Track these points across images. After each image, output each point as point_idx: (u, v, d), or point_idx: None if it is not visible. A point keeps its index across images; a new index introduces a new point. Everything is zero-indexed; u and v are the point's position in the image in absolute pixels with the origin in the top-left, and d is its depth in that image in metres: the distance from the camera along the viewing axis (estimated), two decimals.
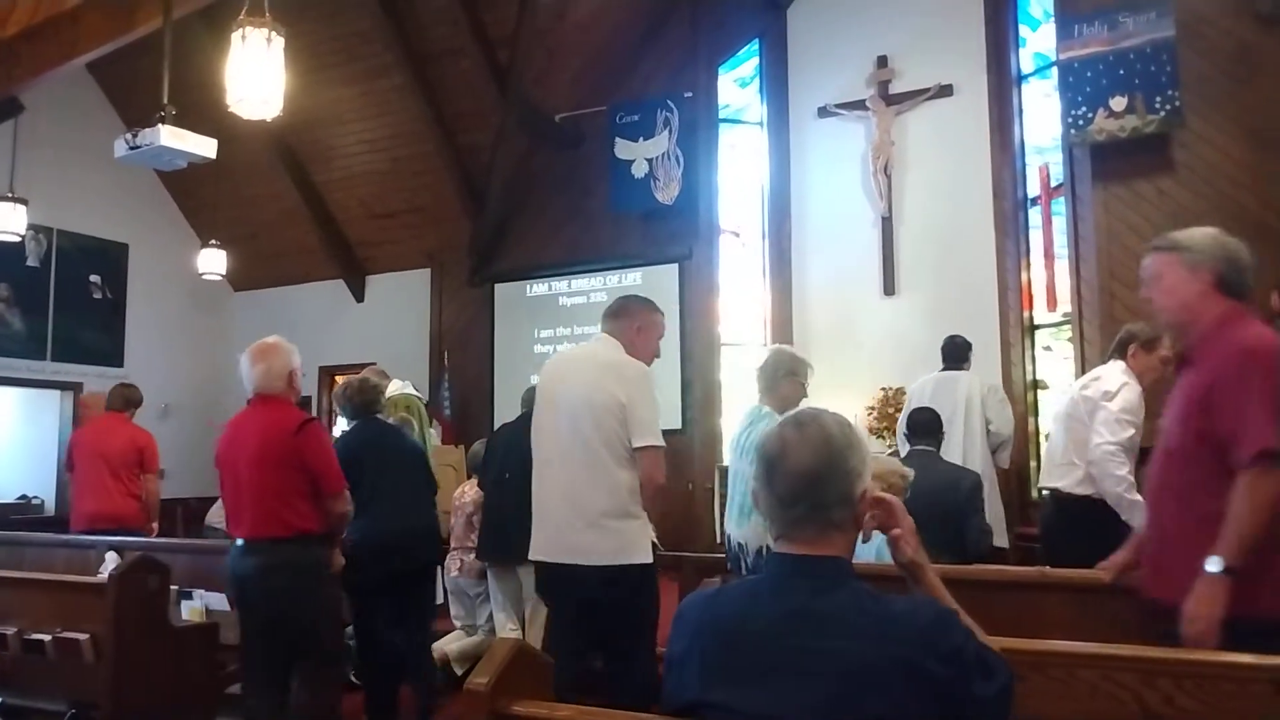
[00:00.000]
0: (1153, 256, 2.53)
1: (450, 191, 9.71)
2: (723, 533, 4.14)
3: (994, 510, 5.57)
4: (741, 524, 3.75)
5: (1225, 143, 7.34)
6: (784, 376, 3.96)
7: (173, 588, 4.00)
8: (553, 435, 3.26)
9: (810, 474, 1.44)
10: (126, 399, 6.39)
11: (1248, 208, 7.21)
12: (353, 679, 4.64)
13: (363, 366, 10.05)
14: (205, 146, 5.14)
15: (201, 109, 6.38)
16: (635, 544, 3.12)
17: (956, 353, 6.19)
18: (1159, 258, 2.51)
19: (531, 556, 3.33)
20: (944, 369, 6.20)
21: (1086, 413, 3.98)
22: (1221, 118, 7.36)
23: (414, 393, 6.37)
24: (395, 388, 6.50)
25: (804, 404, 3.88)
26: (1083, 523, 3.87)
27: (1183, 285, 2.43)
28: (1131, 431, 3.80)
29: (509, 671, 1.52)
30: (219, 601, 4.31)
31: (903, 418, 5.57)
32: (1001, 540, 5.73)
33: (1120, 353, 4.11)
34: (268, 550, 3.44)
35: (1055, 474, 4.13)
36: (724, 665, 1.39)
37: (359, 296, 10.90)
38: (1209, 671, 1.81)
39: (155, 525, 6.32)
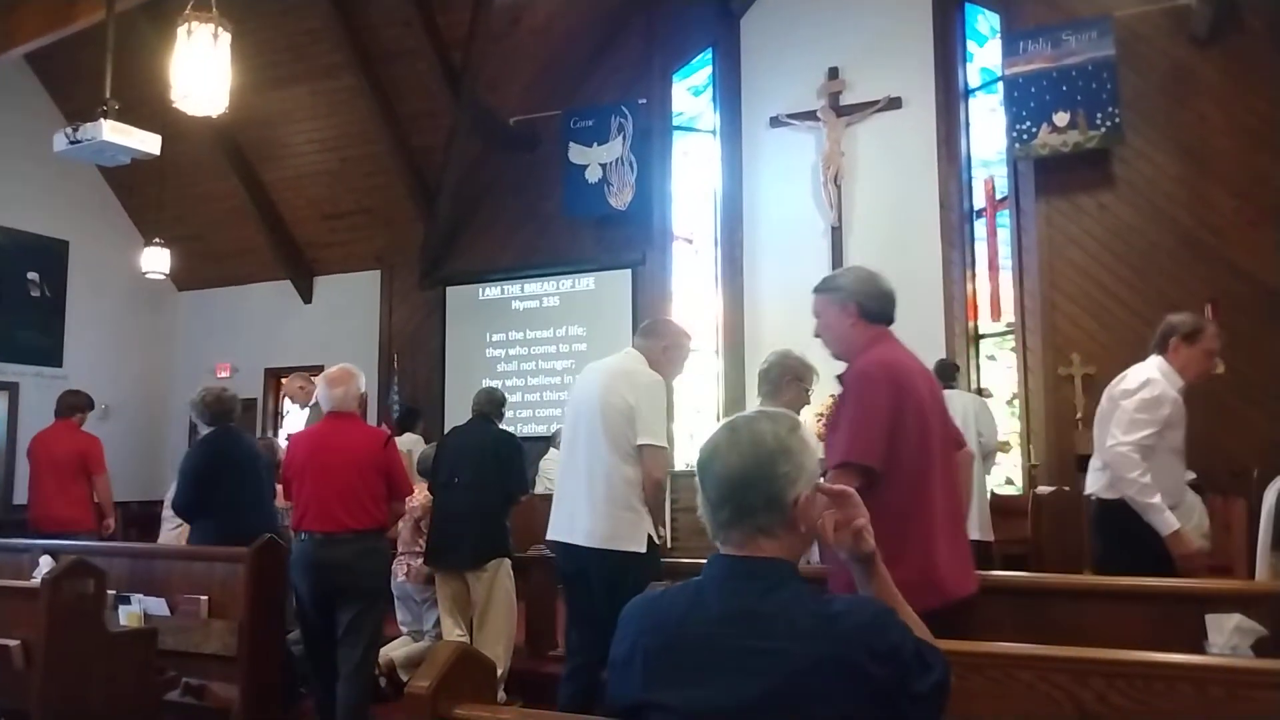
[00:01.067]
0: (814, 298, 2.76)
1: (401, 193, 9.63)
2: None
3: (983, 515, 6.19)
4: None
5: (1162, 159, 7.58)
6: (789, 382, 3.93)
7: (110, 592, 3.90)
8: (572, 431, 3.69)
9: (734, 478, 1.44)
10: (71, 405, 6.62)
11: (1182, 223, 7.45)
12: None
13: (310, 369, 10.00)
14: (149, 142, 5.04)
15: (146, 104, 6.25)
16: (628, 534, 3.42)
17: (946, 373, 6.46)
18: (817, 299, 2.75)
19: (548, 536, 3.66)
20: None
21: (1109, 412, 3.79)
22: (1159, 135, 7.60)
23: None
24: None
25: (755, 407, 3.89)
26: (1116, 528, 3.67)
27: (837, 321, 2.69)
28: (1148, 430, 3.58)
29: (451, 674, 1.51)
30: (158, 606, 4.23)
31: None
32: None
33: (1161, 347, 3.82)
34: (358, 539, 4.03)
35: (1090, 479, 3.94)
36: (666, 666, 1.39)
37: (307, 298, 10.74)
38: (1138, 671, 1.86)
39: (110, 522, 6.59)
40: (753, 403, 9.09)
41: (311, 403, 7.09)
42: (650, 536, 3.44)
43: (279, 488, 4.79)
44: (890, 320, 2.69)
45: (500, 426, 5.15)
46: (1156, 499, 3.48)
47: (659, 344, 3.76)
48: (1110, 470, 3.67)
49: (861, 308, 2.66)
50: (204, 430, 4.78)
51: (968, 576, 2.59)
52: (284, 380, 10.69)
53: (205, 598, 4.22)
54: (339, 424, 4.22)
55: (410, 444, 7.47)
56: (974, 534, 5.60)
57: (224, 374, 10.87)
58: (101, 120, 4.77)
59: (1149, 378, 3.72)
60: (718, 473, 1.46)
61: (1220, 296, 7.22)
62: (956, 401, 6.13)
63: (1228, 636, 2.44)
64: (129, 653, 3.67)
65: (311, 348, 10.29)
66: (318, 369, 10.13)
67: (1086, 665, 1.90)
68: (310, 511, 4.05)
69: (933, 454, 2.54)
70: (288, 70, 9.20)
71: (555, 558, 3.72)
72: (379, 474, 4.13)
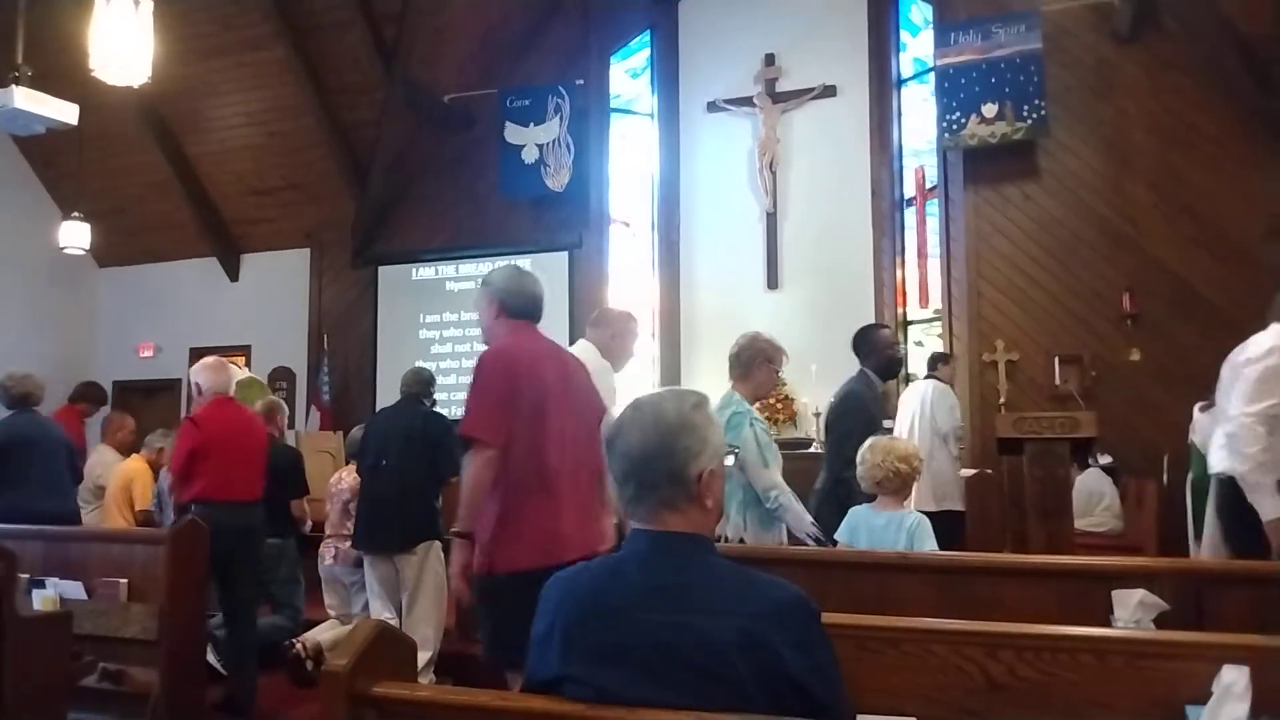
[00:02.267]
0: (479, 291, 3.18)
1: (332, 169, 9.44)
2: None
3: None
4: None
5: (1086, 153, 7.80)
6: (760, 364, 3.94)
7: (23, 576, 3.78)
8: None
9: (635, 454, 1.46)
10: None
11: (1103, 215, 7.69)
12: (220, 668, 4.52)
13: (236, 349, 9.79)
14: (65, 112, 4.88)
15: (64, 73, 6.03)
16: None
17: (931, 363, 6.92)
18: (479, 292, 3.18)
19: None
20: (925, 377, 6.81)
21: (1230, 382, 3.60)
22: (1083, 129, 7.82)
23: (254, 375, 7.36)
24: (238, 374, 6.74)
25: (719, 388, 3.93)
26: (1238, 506, 3.47)
27: (484, 313, 3.12)
28: (1273, 400, 3.38)
29: (370, 653, 1.50)
30: (75, 590, 4.11)
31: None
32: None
33: None
34: (259, 506, 4.62)
35: (1214, 458, 3.73)
36: (584, 640, 1.40)
37: (233, 275, 10.47)
38: (1045, 644, 1.93)
39: None
40: (698, 385, 9.14)
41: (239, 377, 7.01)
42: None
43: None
44: (532, 316, 3.09)
45: (432, 407, 5.10)
46: (1265, 478, 3.30)
47: (606, 333, 3.93)
48: (1228, 444, 3.48)
49: (503, 304, 3.05)
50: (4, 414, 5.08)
51: (594, 538, 2.92)
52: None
53: (124, 581, 4.11)
54: (234, 406, 4.73)
55: None
56: (933, 505, 5.74)
57: (147, 353, 10.57)
58: (13, 87, 4.60)
59: (1274, 344, 3.53)
60: (621, 450, 1.48)
61: (1137, 286, 7.48)
62: (915, 390, 6.60)
63: (1132, 611, 2.54)
64: (42, 638, 3.55)
65: (239, 327, 10.06)
66: (245, 349, 10.04)
67: (997, 639, 1.96)
68: (222, 481, 4.38)
69: (548, 430, 2.87)
70: (214, 41, 8.93)
71: None
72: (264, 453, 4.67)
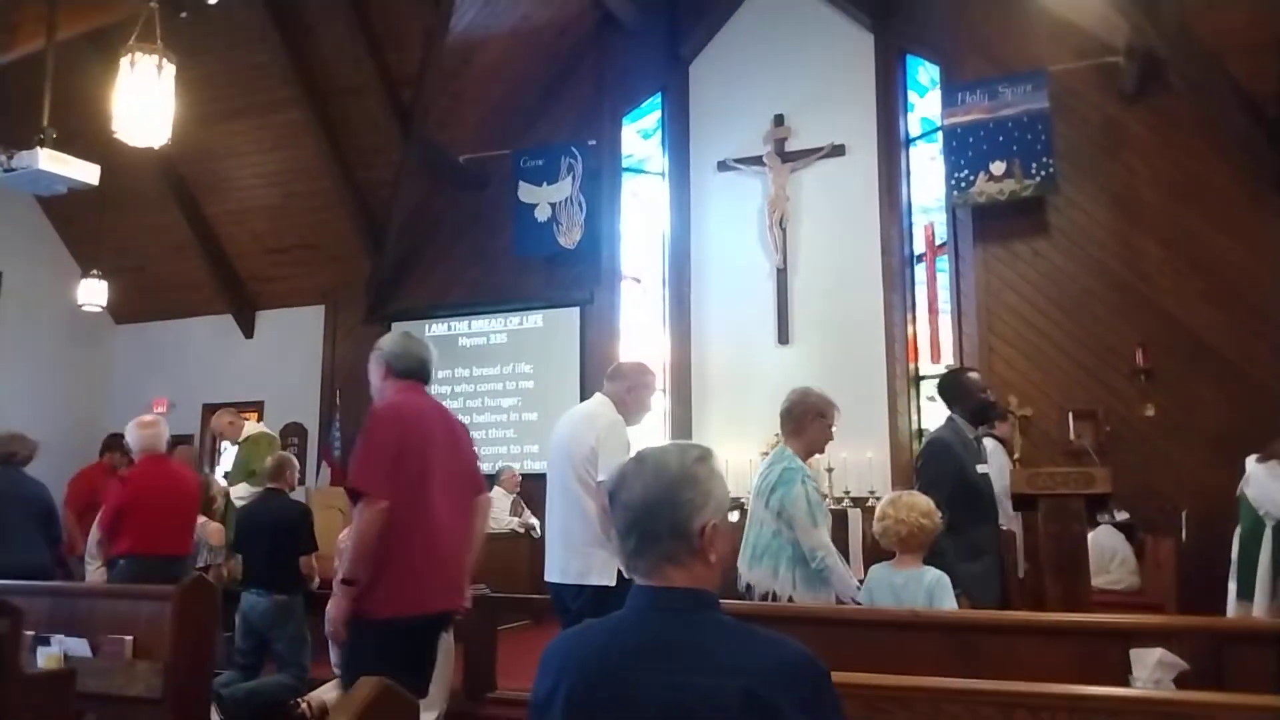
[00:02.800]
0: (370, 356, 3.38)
1: (347, 228, 9.57)
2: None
3: None
4: (753, 566, 3.74)
5: (1094, 209, 7.84)
6: (812, 419, 3.89)
7: (28, 633, 3.75)
8: (550, 476, 3.99)
9: (638, 507, 1.44)
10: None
11: (1112, 269, 7.70)
12: None
13: (249, 405, 9.83)
14: (87, 172, 4.98)
15: (86, 135, 6.16)
16: (598, 569, 3.65)
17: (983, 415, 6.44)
18: (370, 357, 3.38)
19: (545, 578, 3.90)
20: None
21: None
22: (1091, 185, 7.87)
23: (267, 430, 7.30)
24: (251, 429, 6.77)
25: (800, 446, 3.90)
26: None
27: (374, 375, 3.35)
28: None
29: (370, 711, 1.49)
30: (80, 647, 4.08)
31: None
32: None
33: None
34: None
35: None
36: (586, 702, 1.37)
37: (248, 332, 10.57)
38: (1061, 704, 1.89)
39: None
40: (709, 440, 9.11)
41: (241, 438, 7.01)
42: (620, 571, 3.45)
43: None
44: (418, 377, 3.29)
45: None
46: None
47: (623, 386, 3.96)
48: None
49: (390, 366, 3.28)
50: None
51: (449, 596, 3.13)
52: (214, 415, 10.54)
53: (130, 638, 4.06)
54: (164, 463, 5.06)
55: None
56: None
57: (161, 409, 10.61)
58: (38, 149, 4.70)
59: None
60: (624, 501, 1.46)
61: (1149, 341, 7.46)
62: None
63: (1150, 670, 2.49)
64: (44, 696, 3.52)
65: (252, 383, 10.12)
66: (258, 405, 10.08)
67: (1012, 698, 1.93)
68: (149, 537, 4.64)
69: (430, 487, 3.04)
70: (234, 104, 9.14)
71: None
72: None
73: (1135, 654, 2.54)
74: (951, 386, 4.41)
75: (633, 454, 1.54)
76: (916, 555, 3.32)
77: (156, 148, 4.97)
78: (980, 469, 4.17)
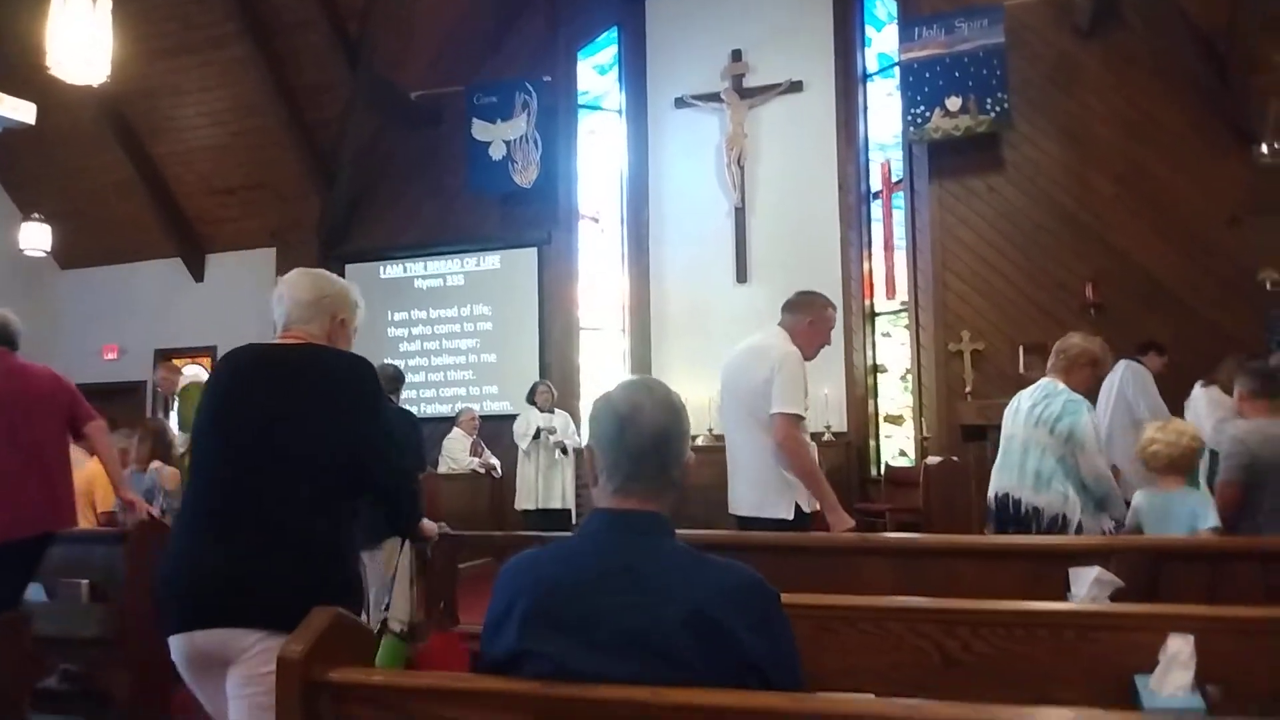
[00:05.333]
0: None
1: (296, 168, 9.35)
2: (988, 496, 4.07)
3: None
4: (1040, 490, 3.79)
5: (1048, 145, 7.89)
6: (1084, 365, 3.92)
7: None
8: (724, 411, 3.95)
9: (661, 432, 1.49)
10: None
11: (1064, 205, 7.79)
12: None
13: (201, 350, 9.68)
14: (23, 111, 4.82)
15: (22, 73, 5.95)
16: (774, 501, 3.59)
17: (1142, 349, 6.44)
18: None
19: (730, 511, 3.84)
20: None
21: None
22: (1046, 122, 7.91)
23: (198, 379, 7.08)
24: (191, 374, 6.70)
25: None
26: None
27: None
28: None
29: (326, 640, 1.50)
30: (35, 592, 4.06)
31: None
32: None
33: None
34: None
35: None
36: (543, 619, 1.40)
37: (198, 276, 10.36)
38: (1000, 619, 1.96)
39: None
40: (669, 378, 9.14)
41: (176, 390, 6.93)
42: (798, 504, 3.54)
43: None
44: (7, 343, 3.76)
45: (398, 404, 5.07)
46: None
47: (804, 318, 3.80)
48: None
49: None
50: None
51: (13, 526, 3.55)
52: (175, 362, 10.37)
53: (85, 582, 4.07)
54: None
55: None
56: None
57: (111, 356, 10.43)
58: None
59: None
60: (644, 428, 1.49)
61: (1099, 277, 7.58)
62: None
63: (1088, 588, 2.59)
64: (1, 641, 3.50)
65: (204, 328, 9.95)
66: (210, 350, 9.92)
67: (953, 615, 1.99)
68: None
69: None
70: (176, 40, 8.83)
71: None
72: None
73: (1074, 572, 2.63)
74: None
75: (634, 382, 1.59)
76: (1181, 477, 3.48)
77: (95, 85, 4.81)
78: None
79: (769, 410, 3.58)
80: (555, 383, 8.94)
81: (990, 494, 3.99)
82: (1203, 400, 5.40)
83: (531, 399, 7.92)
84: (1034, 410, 3.86)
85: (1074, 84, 7.86)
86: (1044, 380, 3.99)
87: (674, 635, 1.34)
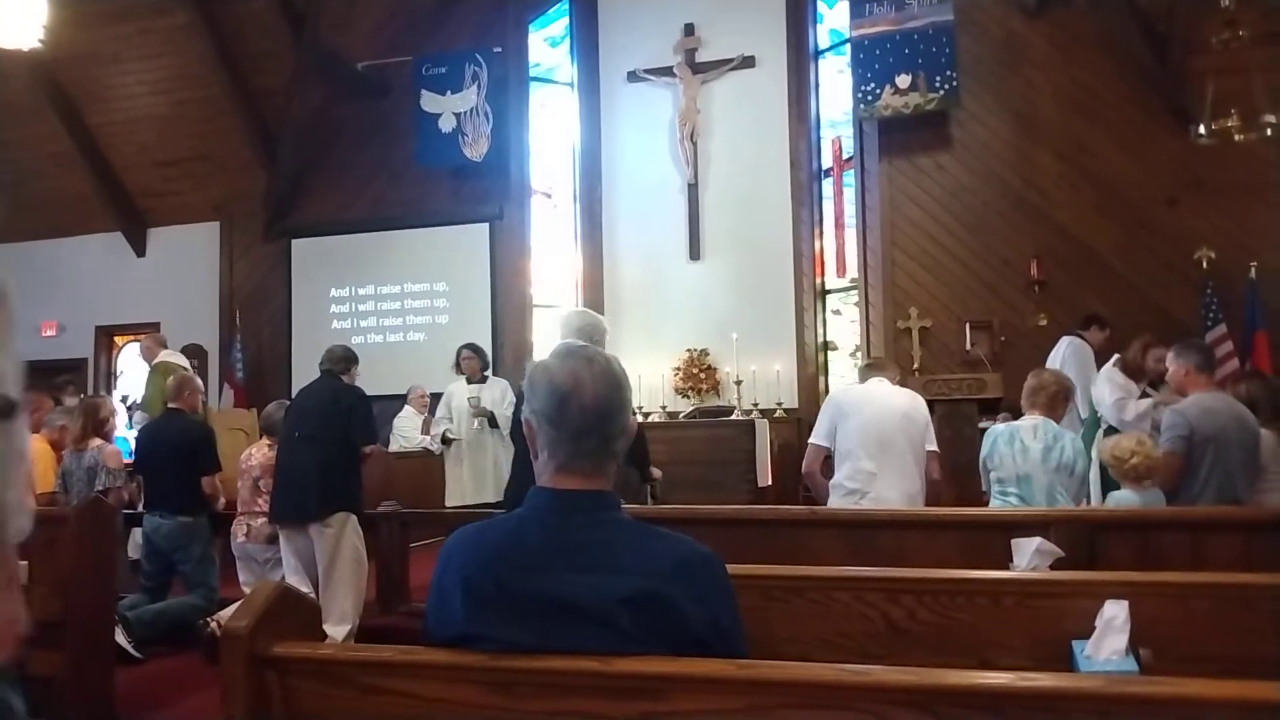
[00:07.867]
0: None
1: (240, 138, 9.14)
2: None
3: None
4: None
5: (995, 123, 8.00)
6: (1063, 399, 3.98)
7: None
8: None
9: (603, 407, 1.45)
10: None
11: (1010, 183, 7.91)
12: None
13: (145, 326, 9.46)
14: None
15: None
16: None
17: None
18: None
19: None
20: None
21: None
22: (993, 100, 8.01)
23: (179, 361, 6.84)
24: (164, 356, 6.57)
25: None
26: None
27: None
28: None
29: (271, 614, 1.48)
30: None
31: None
32: None
33: None
34: None
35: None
36: (488, 598, 1.40)
37: (140, 250, 10.10)
38: (943, 588, 2.00)
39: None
40: (622, 355, 9.11)
41: (153, 361, 6.81)
42: None
43: None
44: None
45: (350, 383, 4.99)
46: None
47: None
48: None
49: None
50: None
51: None
52: (117, 340, 10.20)
53: (25, 563, 3.96)
54: None
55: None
56: None
57: (50, 333, 10.15)
58: None
59: None
60: (586, 403, 1.45)
61: (1043, 254, 7.73)
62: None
63: (1029, 558, 2.65)
64: None
65: (147, 304, 9.73)
66: (154, 326, 9.70)
67: (897, 584, 2.03)
68: None
69: None
70: (115, 5, 8.55)
71: None
72: None
73: (1015, 543, 2.70)
74: None
75: (572, 351, 1.54)
76: (1155, 481, 3.63)
77: (26, 50, 4.66)
78: None
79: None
80: (508, 360, 8.90)
81: None
82: (1104, 373, 5.45)
83: (457, 368, 6.71)
84: (1049, 454, 3.76)
85: (1021, 62, 7.96)
86: (1036, 420, 3.91)
87: (619, 609, 1.34)
